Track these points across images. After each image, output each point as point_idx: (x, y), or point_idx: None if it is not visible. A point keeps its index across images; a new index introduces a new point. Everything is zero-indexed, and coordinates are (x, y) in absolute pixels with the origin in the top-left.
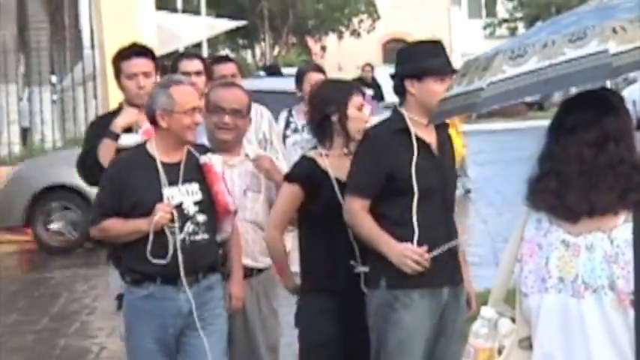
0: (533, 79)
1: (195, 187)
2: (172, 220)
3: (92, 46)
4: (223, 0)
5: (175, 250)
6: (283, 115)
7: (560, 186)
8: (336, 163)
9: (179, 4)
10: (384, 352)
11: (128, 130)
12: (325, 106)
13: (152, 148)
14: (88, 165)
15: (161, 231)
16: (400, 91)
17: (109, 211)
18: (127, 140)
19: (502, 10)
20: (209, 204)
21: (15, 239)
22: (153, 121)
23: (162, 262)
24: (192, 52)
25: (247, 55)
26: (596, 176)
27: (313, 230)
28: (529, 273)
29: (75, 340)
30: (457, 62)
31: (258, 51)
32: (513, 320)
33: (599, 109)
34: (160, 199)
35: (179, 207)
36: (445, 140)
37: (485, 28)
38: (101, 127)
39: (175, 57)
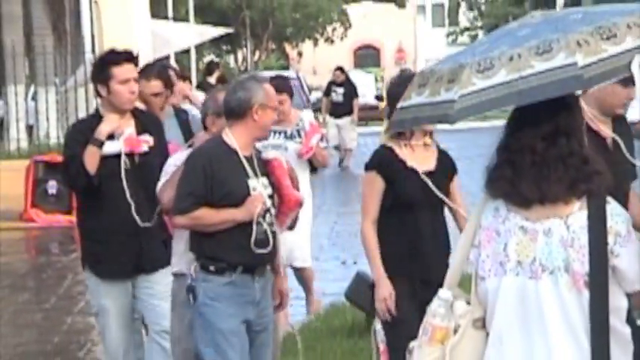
0: (505, 90)
1: (266, 180)
2: (266, 212)
3: (93, 51)
4: (209, 9)
5: (267, 240)
6: None
7: (513, 175)
8: (414, 154)
9: (170, 13)
10: None
11: (109, 137)
12: (395, 101)
13: (231, 141)
14: (73, 171)
15: (247, 222)
16: None
17: (201, 200)
18: (110, 147)
19: (464, 20)
20: (275, 198)
21: (23, 226)
22: (240, 114)
23: (265, 251)
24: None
25: (230, 59)
26: (547, 167)
27: (389, 217)
28: (487, 258)
29: (80, 317)
30: (422, 67)
31: (240, 56)
32: (468, 302)
33: (553, 106)
34: (247, 190)
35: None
36: (623, 133)
37: (448, 36)
38: (80, 132)
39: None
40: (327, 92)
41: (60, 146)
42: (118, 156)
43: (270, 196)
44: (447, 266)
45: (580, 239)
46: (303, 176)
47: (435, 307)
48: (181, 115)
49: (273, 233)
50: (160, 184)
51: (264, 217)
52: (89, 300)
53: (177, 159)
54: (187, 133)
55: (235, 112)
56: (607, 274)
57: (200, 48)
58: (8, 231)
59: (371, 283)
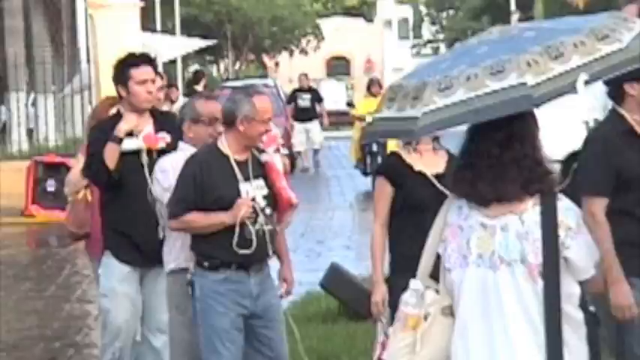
0: (463, 108)
1: (261, 182)
2: (254, 213)
3: (88, 61)
4: (194, 23)
5: (251, 241)
6: None
7: (473, 177)
8: (422, 158)
9: (158, 27)
10: None
11: (129, 134)
12: None
13: (224, 147)
14: (95, 168)
15: (238, 223)
16: (617, 94)
17: (191, 205)
18: (129, 144)
19: (427, 33)
20: (272, 198)
21: (24, 221)
22: (228, 123)
23: (248, 252)
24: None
25: (213, 69)
26: (503, 169)
27: (400, 219)
28: (452, 251)
29: (77, 304)
30: (389, 77)
31: (222, 66)
32: (437, 292)
33: (508, 115)
34: (238, 193)
35: (252, 200)
36: None
37: (412, 47)
38: (102, 131)
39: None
40: (292, 100)
41: (58, 148)
42: (137, 153)
43: (267, 197)
44: None
45: (534, 233)
46: None
47: (408, 296)
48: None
49: (264, 232)
50: (161, 188)
51: (255, 219)
52: (86, 289)
53: (173, 160)
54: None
55: (225, 121)
56: (559, 264)
57: (186, 58)
58: (11, 226)
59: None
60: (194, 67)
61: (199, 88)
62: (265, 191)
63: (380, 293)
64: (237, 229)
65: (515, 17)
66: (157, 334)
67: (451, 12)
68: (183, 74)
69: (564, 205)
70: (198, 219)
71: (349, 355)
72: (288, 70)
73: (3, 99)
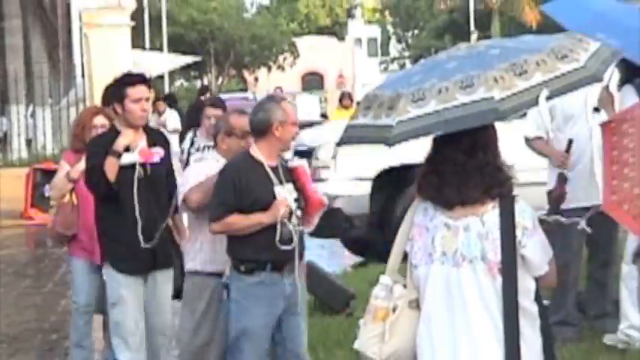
0: (435, 119)
1: (291, 186)
2: (289, 214)
3: (82, 76)
4: (180, 41)
5: (292, 238)
6: (189, 135)
7: (439, 182)
8: None
9: (147, 44)
10: None
11: (126, 149)
12: None
13: (257, 154)
14: (95, 180)
15: (273, 224)
16: None
17: (231, 208)
18: (127, 159)
19: (394, 51)
20: (301, 201)
21: (24, 223)
22: (263, 131)
23: (289, 247)
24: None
25: (197, 83)
26: (467, 176)
27: None
28: (418, 249)
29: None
30: (359, 91)
31: (206, 81)
32: (404, 286)
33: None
34: (273, 196)
35: (286, 201)
36: None
37: (380, 64)
38: (100, 145)
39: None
40: None
41: (54, 156)
42: (132, 166)
43: (297, 200)
44: None
45: (493, 233)
46: None
47: (377, 290)
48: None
49: (298, 232)
50: (187, 189)
51: (289, 218)
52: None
53: (200, 170)
54: None
55: (258, 130)
56: (516, 262)
57: (172, 73)
58: (11, 228)
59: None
60: (180, 82)
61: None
62: (295, 194)
63: None
64: (278, 226)
65: (474, 36)
66: (157, 335)
67: (416, 31)
68: (170, 88)
69: (521, 207)
70: (240, 220)
71: (324, 346)
72: (266, 84)
73: (4, 111)
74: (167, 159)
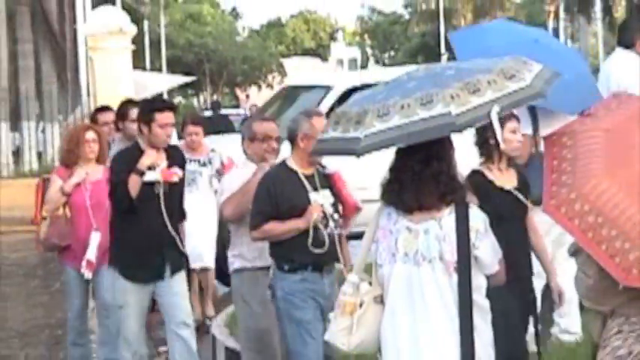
0: (398, 132)
1: (327, 192)
2: (324, 219)
3: (88, 95)
4: (178, 62)
5: (324, 242)
6: None
7: (399, 189)
8: (502, 174)
9: (148, 65)
10: None
11: (149, 167)
12: (484, 130)
13: (292, 164)
14: (119, 195)
15: (312, 227)
16: None
17: (268, 216)
18: (149, 177)
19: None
20: (338, 205)
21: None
22: (291, 141)
23: (321, 251)
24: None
25: (194, 101)
26: (423, 183)
27: None
28: (383, 250)
29: None
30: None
31: (201, 98)
32: (370, 283)
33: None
34: (308, 202)
35: (321, 207)
36: None
37: None
38: (124, 162)
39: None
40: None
41: None
42: (151, 184)
43: (333, 204)
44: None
45: (450, 236)
46: (211, 193)
47: (346, 287)
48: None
49: (334, 236)
50: (223, 199)
51: (326, 223)
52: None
53: (232, 178)
54: None
55: (289, 140)
56: (470, 261)
57: (171, 92)
58: (22, 233)
59: None
60: (178, 99)
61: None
62: (332, 199)
63: None
64: (311, 231)
65: (444, 57)
66: (182, 327)
67: (392, 53)
68: None
69: (474, 213)
70: (276, 227)
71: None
72: (257, 101)
73: (17, 127)
74: (182, 179)
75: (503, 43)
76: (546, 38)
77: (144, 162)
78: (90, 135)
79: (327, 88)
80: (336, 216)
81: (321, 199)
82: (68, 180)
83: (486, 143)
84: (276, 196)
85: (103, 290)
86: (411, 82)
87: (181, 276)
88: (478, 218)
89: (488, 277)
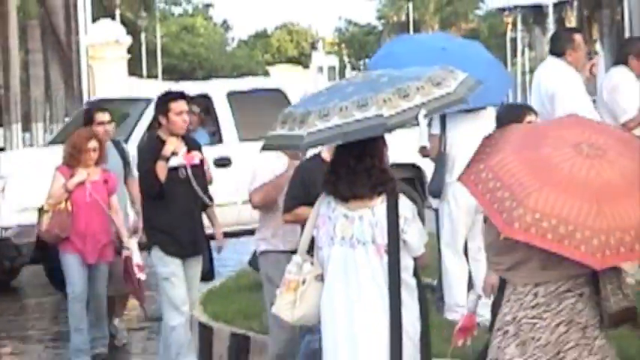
0: (337, 131)
1: None
2: None
3: (89, 99)
4: (173, 70)
5: None
6: None
7: (336, 181)
8: None
9: (144, 73)
10: None
11: (173, 154)
12: (507, 123)
13: (325, 155)
14: (149, 182)
15: None
16: None
17: (300, 201)
18: (174, 162)
19: (349, 77)
20: None
21: None
22: None
23: None
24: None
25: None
26: (357, 176)
27: None
28: (322, 234)
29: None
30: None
31: None
32: (312, 264)
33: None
34: None
35: None
36: None
37: None
38: (148, 152)
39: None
40: None
41: None
42: (175, 169)
43: None
44: None
45: (382, 222)
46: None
47: (290, 267)
48: (119, 147)
49: None
50: (253, 187)
51: None
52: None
53: (264, 167)
54: (125, 161)
55: None
56: (399, 245)
57: None
58: None
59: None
60: None
61: None
62: None
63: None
64: None
65: None
66: (184, 309)
67: (367, 60)
68: None
69: (403, 202)
70: (306, 211)
71: (267, 314)
72: None
73: (28, 128)
74: (202, 160)
75: (406, 51)
76: (454, 45)
77: (168, 149)
78: (92, 144)
79: (148, 101)
80: None
81: None
82: (71, 179)
83: None
84: (309, 184)
85: (98, 284)
86: (350, 87)
87: (198, 260)
88: (407, 207)
89: (415, 259)
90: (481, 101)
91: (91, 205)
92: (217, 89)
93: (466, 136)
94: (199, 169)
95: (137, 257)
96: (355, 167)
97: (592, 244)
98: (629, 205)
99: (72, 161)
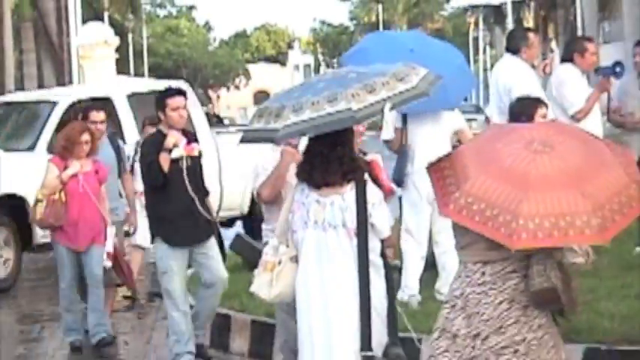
0: (310, 124)
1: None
2: None
3: None
4: (158, 68)
5: None
6: (134, 144)
7: (310, 169)
8: None
9: (132, 71)
10: None
11: (174, 146)
12: (519, 115)
13: None
14: (154, 173)
15: None
16: None
17: None
18: (175, 153)
19: None
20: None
21: None
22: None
23: None
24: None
25: None
26: (329, 164)
27: None
28: (297, 219)
29: None
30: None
31: None
32: (287, 246)
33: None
34: None
35: None
36: None
37: None
38: (152, 145)
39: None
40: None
41: None
42: (177, 160)
43: None
44: None
45: (351, 207)
46: None
47: (267, 249)
48: (114, 142)
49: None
50: (258, 183)
51: None
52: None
53: (266, 162)
54: (119, 157)
55: None
56: (367, 228)
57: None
58: None
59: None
60: None
61: None
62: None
63: None
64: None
65: None
66: (217, 281)
67: (340, 57)
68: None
69: (371, 189)
70: None
71: (246, 293)
72: (226, 100)
73: None
74: (200, 152)
75: (376, 48)
76: (422, 46)
77: (169, 141)
78: (85, 137)
79: (53, 104)
80: None
81: None
82: (65, 171)
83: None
84: None
85: (93, 264)
86: (321, 83)
87: (213, 241)
88: (373, 193)
89: (382, 241)
90: (440, 104)
91: (84, 195)
92: (118, 91)
93: (426, 132)
94: (198, 160)
95: (109, 245)
96: (328, 156)
97: (510, 226)
98: (561, 196)
99: (65, 153)
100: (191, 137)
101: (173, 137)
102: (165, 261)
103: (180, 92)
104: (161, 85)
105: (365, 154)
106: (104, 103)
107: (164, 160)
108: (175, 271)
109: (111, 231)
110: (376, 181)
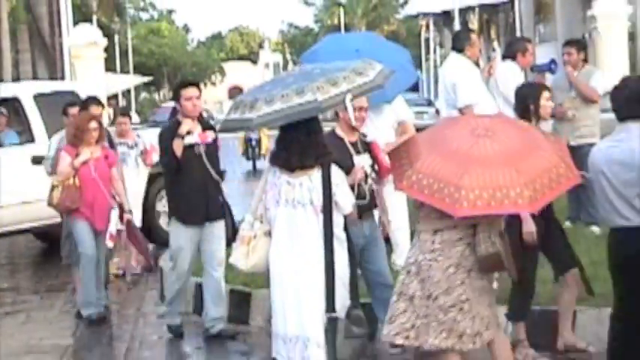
0: (280, 114)
1: (367, 155)
2: (365, 176)
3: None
4: (142, 66)
5: (365, 195)
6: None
7: (287, 154)
8: None
9: (118, 69)
10: None
11: (188, 133)
12: (525, 99)
13: (340, 133)
14: (168, 158)
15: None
16: None
17: None
18: (189, 140)
19: None
20: (375, 166)
21: None
22: (337, 115)
23: (364, 202)
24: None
25: (155, 95)
26: (304, 149)
27: None
28: (270, 198)
29: None
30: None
31: (161, 93)
32: (262, 222)
33: (305, 119)
34: (352, 164)
35: (362, 168)
36: None
37: None
38: (169, 132)
39: (83, 101)
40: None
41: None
42: (191, 146)
43: (372, 166)
44: None
45: (317, 187)
46: (136, 168)
47: (244, 225)
48: (109, 137)
49: (372, 190)
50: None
51: (365, 181)
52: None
53: None
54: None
55: (336, 114)
56: (332, 205)
57: (137, 88)
58: None
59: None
60: (144, 94)
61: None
62: (370, 162)
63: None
64: (355, 187)
65: None
66: (217, 268)
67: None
68: (136, 98)
69: (335, 170)
70: None
71: (229, 266)
72: (203, 95)
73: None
74: (215, 139)
75: (325, 50)
76: (368, 46)
77: (182, 129)
78: (92, 125)
79: None
80: (374, 175)
81: (363, 161)
82: (76, 158)
83: (526, 108)
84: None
85: (101, 249)
86: (289, 78)
87: (221, 223)
88: (337, 174)
89: (345, 217)
90: (377, 98)
91: (96, 179)
92: (25, 91)
93: (368, 123)
94: (213, 146)
95: (112, 227)
96: (304, 142)
97: (454, 197)
98: (499, 172)
99: (75, 141)
100: (205, 124)
101: (186, 125)
102: (177, 240)
103: (194, 83)
104: (67, 86)
105: (365, 136)
106: (12, 103)
107: (177, 145)
108: (184, 250)
109: (114, 214)
110: (376, 160)
